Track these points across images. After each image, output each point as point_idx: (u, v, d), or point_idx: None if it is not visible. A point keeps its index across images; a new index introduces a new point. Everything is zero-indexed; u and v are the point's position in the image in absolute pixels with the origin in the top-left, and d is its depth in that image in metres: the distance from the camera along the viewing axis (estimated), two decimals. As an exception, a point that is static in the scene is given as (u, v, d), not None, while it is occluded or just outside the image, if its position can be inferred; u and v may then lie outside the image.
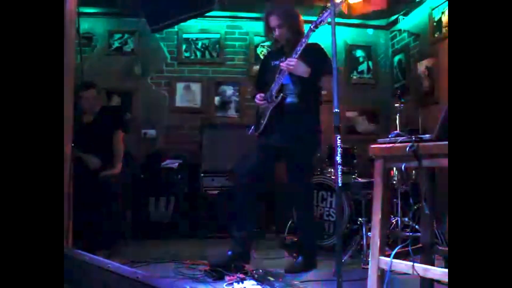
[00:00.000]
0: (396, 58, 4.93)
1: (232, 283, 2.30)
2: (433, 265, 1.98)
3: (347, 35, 4.96)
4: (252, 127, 2.92)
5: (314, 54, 2.69)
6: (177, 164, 4.17)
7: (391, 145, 1.77)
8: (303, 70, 2.61)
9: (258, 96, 2.81)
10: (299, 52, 2.59)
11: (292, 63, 2.57)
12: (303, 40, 2.59)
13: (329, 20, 2.12)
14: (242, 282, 2.30)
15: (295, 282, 2.45)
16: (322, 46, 2.81)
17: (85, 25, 4.49)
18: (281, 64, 2.65)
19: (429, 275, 1.67)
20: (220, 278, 2.43)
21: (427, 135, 1.67)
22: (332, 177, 3.38)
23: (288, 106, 2.73)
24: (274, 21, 2.75)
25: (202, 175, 4.03)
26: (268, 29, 2.82)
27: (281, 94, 2.71)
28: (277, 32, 2.75)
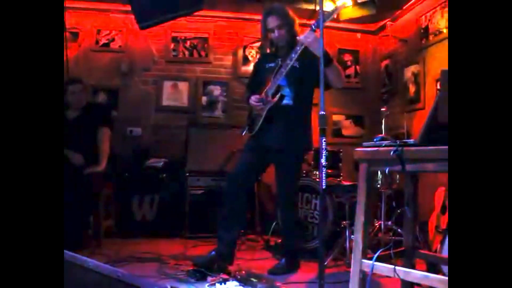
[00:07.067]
0: (384, 63, 4.98)
1: (214, 284, 2.29)
2: (414, 268, 2.00)
3: (335, 39, 5.00)
4: (246, 129, 2.88)
5: (310, 56, 2.57)
6: (162, 163, 4.15)
7: (375, 149, 1.79)
8: (319, 46, 2.50)
9: (253, 97, 2.74)
10: (299, 52, 2.54)
11: (312, 35, 2.44)
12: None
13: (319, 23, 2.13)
14: (225, 283, 2.30)
15: (278, 284, 2.45)
16: None
17: (72, 20, 4.45)
18: (299, 37, 2.51)
19: (410, 278, 1.69)
20: (202, 278, 2.42)
21: (411, 140, 1.70)
22: (317, 179, 3.39)
23: (282, 108, 2.70)
24: (273, 21, 2.69)
25: (187, 174, 4.01)
26: (266, 30, 2.75)
27: (280, 93, 2.67)
28: (276, 34, 2.70)
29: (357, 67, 5.12)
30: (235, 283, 2.32)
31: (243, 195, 2.79)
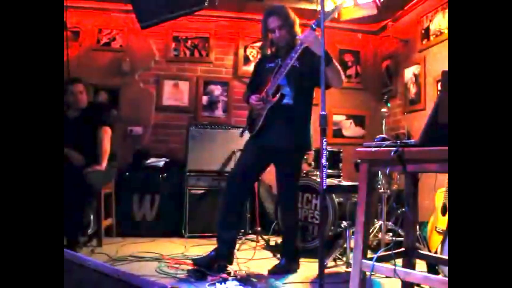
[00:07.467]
0: (385, 64, 4.98)
1: (214, 283, 2.30)
2: (414, 268, 2.00)
3: (336, 39, 4.99)
4: (246, 128, 2.88)
5: (310, 56, 2.54)
6: (162, 162, 4.15)
7: (376, 149, 1.78)
8: (319, 45, 2.41)
9: (253, 97, 2.74)
10: (299, 51, 2.53)
11: (312, 35, 2.43)
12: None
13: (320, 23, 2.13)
14: (225, 283, 2.30)
15: (278, 284, 2.46)
16: None
17: (73, 19, 4.45)
18: (299, 36, 2.52)
19: (410, 278, 1.69)
20: (202, 278, 2.42)
21: (412, 140, 1.69)
22: (318, 179, 3.39)
23: (283, 107, 2.70)
24: (274, 22, 2.69)
25: (187, 174, 4.01)
26: (267, 30, 2.75)
27: (280, 93, 2.66)
28: (277, 34, 2.69)
29: (358, 67, 5.11)
30: (235, 283, 2.32)
31: (242, 195, 2.79)
